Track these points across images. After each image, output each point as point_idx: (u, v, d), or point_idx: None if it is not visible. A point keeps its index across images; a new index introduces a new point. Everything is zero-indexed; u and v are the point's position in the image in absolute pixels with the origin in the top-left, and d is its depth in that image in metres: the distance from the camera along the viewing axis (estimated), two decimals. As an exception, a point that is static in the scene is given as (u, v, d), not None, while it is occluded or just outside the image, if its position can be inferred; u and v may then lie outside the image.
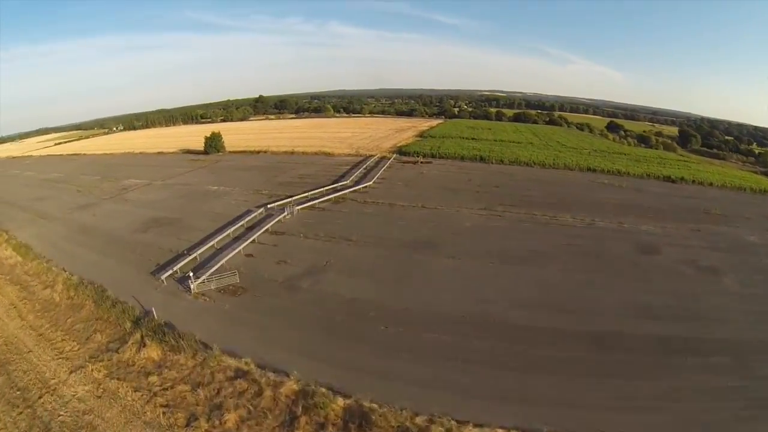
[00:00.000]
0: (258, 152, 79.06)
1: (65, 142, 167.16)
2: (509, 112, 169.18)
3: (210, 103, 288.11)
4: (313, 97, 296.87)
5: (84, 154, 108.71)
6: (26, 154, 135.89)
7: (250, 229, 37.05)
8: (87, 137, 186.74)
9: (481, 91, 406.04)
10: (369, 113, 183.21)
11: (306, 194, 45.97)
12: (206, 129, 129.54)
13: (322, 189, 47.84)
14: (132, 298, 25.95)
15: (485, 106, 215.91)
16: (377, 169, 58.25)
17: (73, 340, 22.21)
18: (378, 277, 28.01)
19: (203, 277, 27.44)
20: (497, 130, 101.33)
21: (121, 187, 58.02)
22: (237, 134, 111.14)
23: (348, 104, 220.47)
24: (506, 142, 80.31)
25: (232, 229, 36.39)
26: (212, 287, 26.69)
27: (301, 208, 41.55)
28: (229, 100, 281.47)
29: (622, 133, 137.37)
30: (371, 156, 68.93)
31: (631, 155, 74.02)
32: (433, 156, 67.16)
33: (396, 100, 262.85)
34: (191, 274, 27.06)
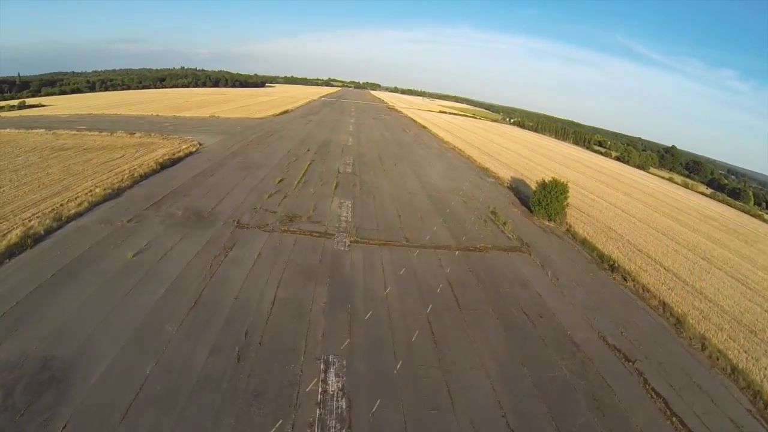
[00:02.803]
0: (611, 265, 22.53)
1: (446, 113, 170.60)
2: None
3: (618, 133, 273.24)
4: (730, 170, 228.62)
5: (427, 129, 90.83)
6: (400, 108, 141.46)
7: None
8: (471, 115, 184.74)
9: None
10: None
11: None
12: (586, 163, 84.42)
13: None
14: None
15: None
16: None
17: None
18: None
19: None
20: None
21: (288, 218, 23.41)
22: (618, 191, 54.42)
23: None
24: None
25: None
26: None
27: None
28: (640, 139, 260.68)
29: None
30: None
31: None
32: None
33: None
34: None
